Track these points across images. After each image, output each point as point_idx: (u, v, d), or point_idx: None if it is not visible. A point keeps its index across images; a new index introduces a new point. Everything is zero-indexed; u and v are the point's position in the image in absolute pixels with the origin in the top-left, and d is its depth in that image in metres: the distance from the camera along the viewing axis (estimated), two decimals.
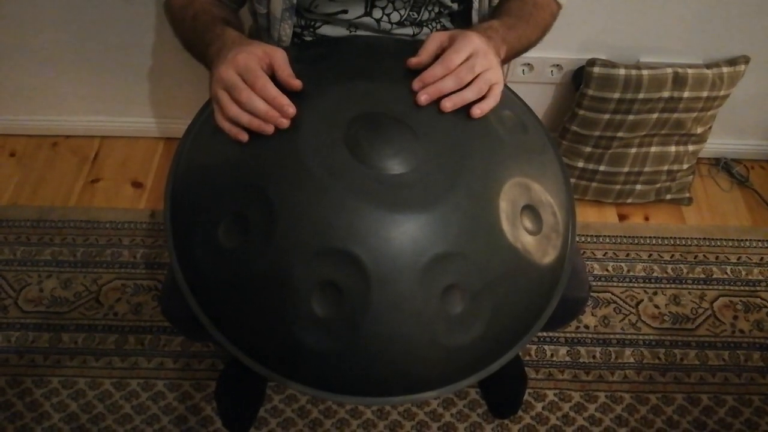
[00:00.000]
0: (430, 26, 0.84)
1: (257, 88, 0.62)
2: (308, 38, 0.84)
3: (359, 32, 0.83)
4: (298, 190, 0.59)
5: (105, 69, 1.49)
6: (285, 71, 0.65)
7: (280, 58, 0.65)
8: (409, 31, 0.83)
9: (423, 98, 0.64)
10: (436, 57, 0.67)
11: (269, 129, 0.62)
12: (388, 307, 0.57)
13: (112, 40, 1.42)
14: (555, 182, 0.70)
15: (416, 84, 0.65)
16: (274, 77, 0.65)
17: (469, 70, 0.65)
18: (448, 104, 0.64)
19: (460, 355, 0.61)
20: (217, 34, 0.72)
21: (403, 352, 0.59)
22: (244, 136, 0.63)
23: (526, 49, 0.83)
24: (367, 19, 0.80)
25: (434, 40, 0.67)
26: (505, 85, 0.83)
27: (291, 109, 0.62)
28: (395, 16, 0.80)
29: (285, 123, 0.62)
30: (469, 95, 0.65)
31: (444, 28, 0.86)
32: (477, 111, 0.65)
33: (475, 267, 0.59)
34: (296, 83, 0.65)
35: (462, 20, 0.86)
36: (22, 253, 1.42)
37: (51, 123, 1.63)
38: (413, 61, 0.67)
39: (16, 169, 1.60)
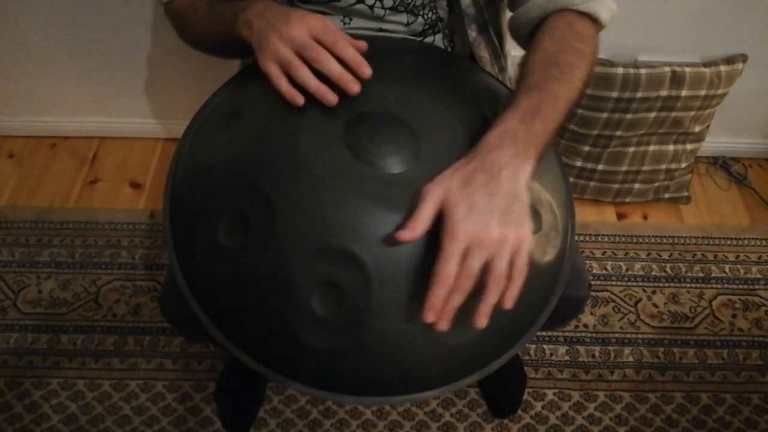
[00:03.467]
0: (424, 15, 0.83)
1: (338, 47, 0.61)
2: None
3: (353, 23, 0.82)
4: (298, 189, 0.59)
5: (103, 70, 1.49)
6: (345, 40, 0.63)
7: (339, 30, 0.64)
8: (403, 18, 0.82)
9: (443, 327, 0.55)
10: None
11: (334, 99, 0.61)
12: (389, 305, 0.57)
13: (110, 41, 1.42)
14: (554, 181, 0.70)
15: (429, 316, 0.54)
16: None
17: (468, 278, 0.53)
18: (482, 321, 0.54)
19: (460, 354, 0.61)
20: (245, 4, 0.69)
21: (403, 351, 0.59)
22: (300, 100, 0.62)
23: (573, 107, 0.67)
24: (360, 6, 0.80)
25: (422, 216, 0.55)
26: (504, 85, 0.84)
27: (368, 70, 0.61)
28: (388, 1, 0.80)
29: (357, 89, 0.61)
30: (490, 301, 0.54)
31: (438, 17, 0.84)
32: (509, 303, 0.55)
33: None
34: (362, 44, 0.64)
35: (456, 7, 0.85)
36: (20, 254, 1.42)
37: (49, 124, 1.63)
38: (401, 236, 0.55)
39: (14, 170, 1.59)
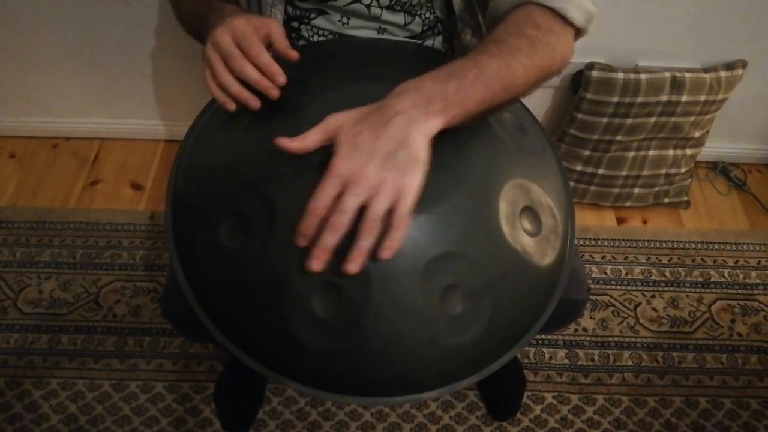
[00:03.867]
0: (421, 15, 0.83)
1: (252, 54, 0.64)
2: (305, 32, 0.84)
3: (351, 23, 0.83)
4: (299, 190, 0.59)
5: (105, 71, 1.49)
6: (282, 42, 0.66)
7: (277, 29, 0.66)
8: (400, 18, 0.82)
9: (315, 266, 0.54)
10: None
11: (255, 104, 0.64)
12: (389, 307, 0.57)
13: (111, 42, 1.42)
14: (554, 184, 0.70)
15: (300, 241, 0.54)
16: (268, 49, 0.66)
17: (340, 214, 0.52)
18: (352, 266, 0.53)
19: (460, 355, 0.61)
20: (217, 8, 0.73)
21: (403, 352, 0.59)
22: (231, 106, 0.65)
23: (548, 75, 0.66)
24: (356, 6, 0.80)
25: (320, 131, 0.56)
26: None
27: (282, 78, 0.63)
28: (384, 0, 0.80)
29: (275, 93, 0.63)
30: (364, 245, 0.53)
31: (436, 17, 0.85)
32: (385, 253, 0.53)
33: (475, 268, 0.60)
34: (293, 54, 0.66)
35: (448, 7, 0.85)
36: (21, 254, 1.42)
37: (51, 125, 1.64)
38: (281, 142, 0.56)
39: (15, 170, 1.60)
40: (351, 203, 0.52)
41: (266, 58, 0.64)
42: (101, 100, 1.57)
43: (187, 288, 0.65)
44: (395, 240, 0.53)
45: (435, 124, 0.56)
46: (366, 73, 0.71)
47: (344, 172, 0.52)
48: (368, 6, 0.80)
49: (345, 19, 0.82)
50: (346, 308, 0.58)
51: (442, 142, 0.64)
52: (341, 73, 0.72)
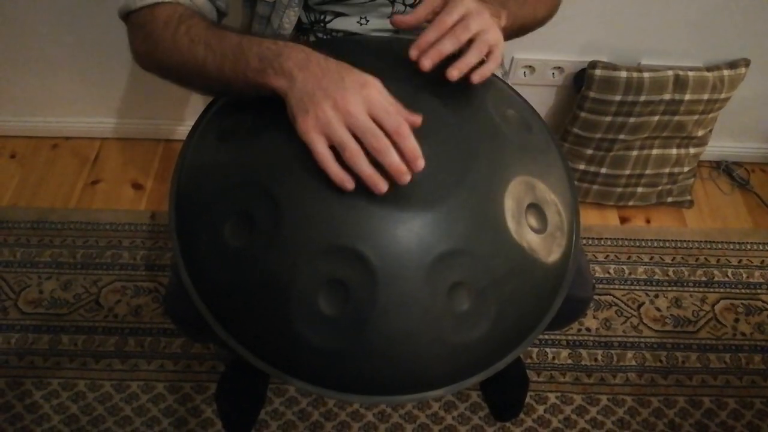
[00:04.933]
0: None
1: (403, 135, 0.55)
2: (319, 34, 0.83)
3: (370, 24, 0.81)
4: (304, 188, 0.59)
5: (105, 71, 1.49)
6: (405, 113, 0.58)
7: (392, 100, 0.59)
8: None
9: (426, 63, 0.61)
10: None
11: (384, 188, 0.56)
12: (395, 304, 0.57)
13: (112, 42, 1.42)
14: (559, 181, 0.70)
15: (413, 52, 0.63)
16: None
17: (464, 29, 0.62)
18: (454, 73, 0.62)
19: (466, 353, 0.61)
20: (279, 47, 0.60)
21: (409, 350, 0.59)
22: (351, 186, 0.56)
23: (532, 24, 0.81)
24: (380, 2, 0.79)
25: (426, 5, 0.65)
26: (509, 85, 0.84)
27: (422, 163, 0.56)
28: None
29: (407, 179, 0.56)
30: (471, 59, 0.63)
31: None
32: (476, 77, 0.64)
33: (481, 265, 0.59)
34: (417, 120, 0.59)
35: None
36: (22, 254, 1.42)
37: (51, 124, 1.63)
38: (398, 18, 0.65)
39: (16, 170, 1.59)
40: (474, 27, 0.63)
41: (412, 143, 0.56)
42: (102, 99, 1.57)
43: (191, 287, 0.65)
44: (489, 70, 0.65)
45: (498, 23, 0.68)
46: (372, 72, 0.71)
47: (468, 6, 0.63)
48: (392, 3, 0.79)
49: (364, 20, 0.81)
50: (351, 306, 0.57)
51: (447, 139, 0.64)
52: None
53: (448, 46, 0.62)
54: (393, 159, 0.55)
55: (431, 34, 0.62)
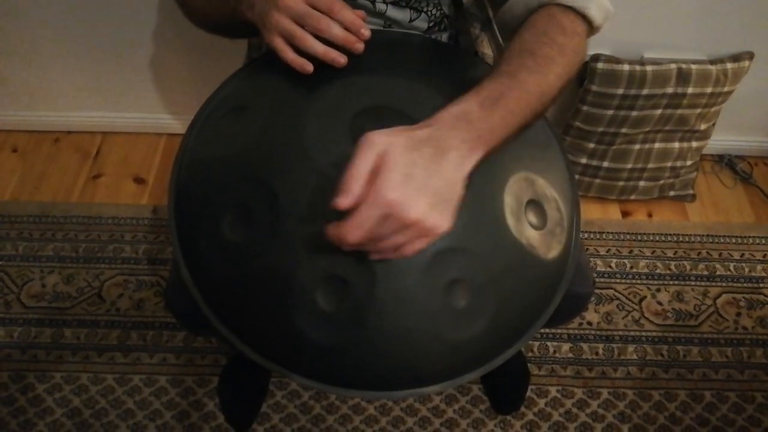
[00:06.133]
0: (428, 11, 0.82)
1: (335, 11, 0.62)
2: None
3: None
4: (303, 184, 0.59)
5: (107, 65, 1.49)
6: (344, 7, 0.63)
7: None
8: (406, 14, 0.81)
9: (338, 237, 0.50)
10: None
11: (344, 60, 0.63)
12: (393, 300, 0.57)
13: (113, 36, 1.42)
14: (559, 177, 0.70)
15: (330, 231, 0.51)
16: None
17: (370, 242, 0.50)
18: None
19: (464, 349, 0.61)
20: None
21: (408, 345, 0.59)
22: (309, 67, 0.63)
23: (540, 107, 0.62)
24: (362, 1, 0.79)
25: (368, 156, 0.49)
26: None
27: (367, 31, 0.62)
28: None
29: (361, 47, 0.63)
30: (368, 250, 0.53)
31: (442, 13, 0.84)
32: (374, 256, 0.53)
33: (480, 261, 0.59)
34: (362, 16, 0.64)
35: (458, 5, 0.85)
36: (24, 248, 1.42)
37: (53, 119, 1.63)
38: (341, 202, 0.49)
39: (18, 164, 1.60)
40: (385, 233, 0.50)
41: (349, 13, 0.62)
42: (103, 93, 1.57)
43: (190, 281, 0.65)
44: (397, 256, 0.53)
45: (477, 159, 0.53)
46: (371, 67, 0.71)
47: (392, 203, 0.48)
48: (373, 2, 0.79)
49: None
50: (350, 302, 0.57)
51: None
52: (348, 66, 0.71)
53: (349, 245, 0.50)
54: (335, 31, 0.61)
55: (343, 234, 0.49)
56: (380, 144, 0.49)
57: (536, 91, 0.59)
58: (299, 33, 0.62)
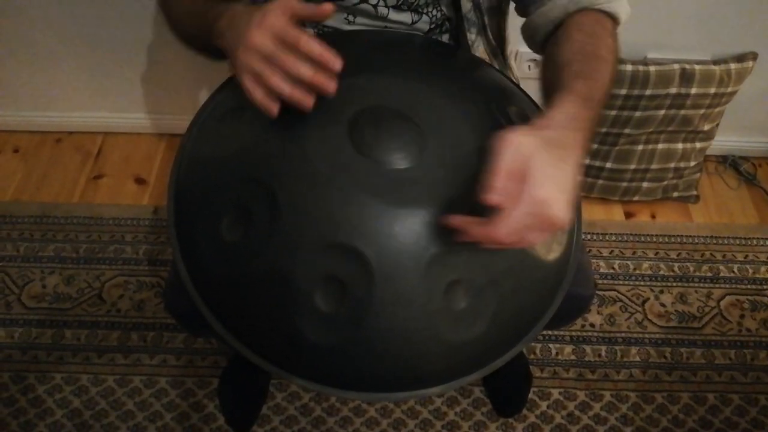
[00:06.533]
0: (429, 13, 0.82)
1: (302, 45, 0.57)
2: (311, 29, 0.83)
3: (357, 21, 0.81)
4: (302, 184, 0.58)
5: (108, 65, 1.49)
6: (308, 10, 0.59)
7: (298, 5, 0.59)
8: (407, 17, 0.81)
9: (461, 235, 0.54)
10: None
11: (310, 102, 0.58)
12: (392, 302, 0.56)
13: (115, 37, 1.42)
14: None
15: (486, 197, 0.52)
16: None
17: (510, 243, 0.53)
18: (461, 236, 0.55)
19: (464, 351, 0.61)
20: (223, 8, 0.66)
21: (407, 347, 0.59)
22: (274, 109, 0.59)
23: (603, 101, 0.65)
24: (364, 5, 0.79)
25: (512, 158, 0.52)
26: (511, 80, 0.83)
27: (338, 63, 0.57)
28: (391, 0, 0.79)
29: (333, 87, 0.58)
30: (488, 243, 0.54)
31: (443, 15, 0.84)
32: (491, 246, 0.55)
33: (479, 263, 0.59)
34: (327, 8, 0.59)
35: (455, 6, 0.85)
36: (25, 249, 1.42)
37: (54, 119, 1.63)
38: (490, 199, 0.51)
39: (19, 165, 1.60)
40: (526, 231, 0.52)
41: (317, 47, 0.57)
42: (104, 94, 1.57)
43: (189, 282, 0.64)
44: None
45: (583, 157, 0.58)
46: (371, 67, 0.70)
47: (543, 199, 0.50)
48: (375, 6, 0.79)
49: (351, 17, 0.81)
50: (349, 303, 0.57)
51: (446, 136, 0.63)
52: (345, 66, 0.71)
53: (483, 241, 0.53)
54: (302, 70, 0.57)
55: (486, 232, 0.52)
56: (521, 145, 0.52)
57: (606, 91, 0.64)
58: (266, 72, 0.58)
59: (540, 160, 0.51)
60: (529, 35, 0.77)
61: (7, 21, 1.39)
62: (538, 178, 0.51)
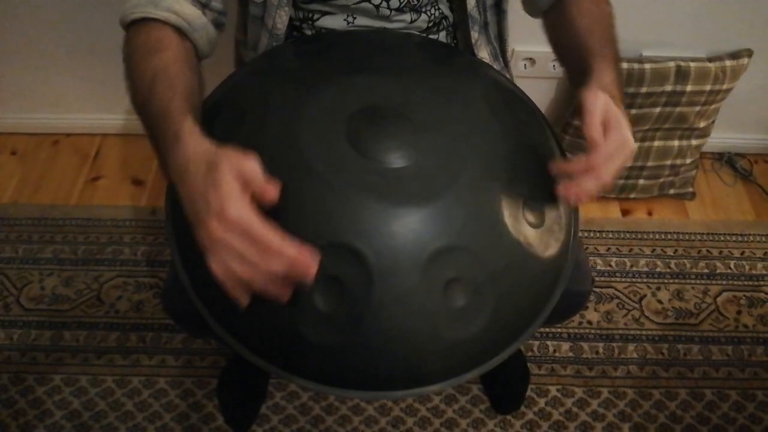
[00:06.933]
0: (428, 12, 0.83)
1: (273, 249, 0.50)
2: (308, 32, 0.84)
3: (357, 22, 0.82)
4: (300, 185, 0.59)
5: (105, 67, 1.49)
6: (259, 184, 0.52)
7: (250, 170, 0.52)
8: (407, 17, 0.82)
9: (567, 194, 0.62)
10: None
11: (283, 296, 0.53)
12: (391, 301, 0.57)
13: (112, 38, 1.40)
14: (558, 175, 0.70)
15: (555, 169, 0.65)
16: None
17: (609, 172, 0.61)
18: (572, 200, 0.63)
19: (463, 349, 0.61)
20: (175, 132, 0.58)
21: (406, 346, 0.59)
22: (245, 302, 0.53)
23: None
24: (365, 5, 0.79)
25: (600, 112, 0.62)
26: (507, 78, 0.83)
27: (314, 267, 0.50)
28: (394, 2, 0.79)
29: (312, 273, 0.50)
30: (587, 186, 0.62)
31: (442, 15, 0.84)
32: (583, 198, 0.62)
33: (478, 260, 0.59)
34: (272, 193, 0.52)
35: (459, 4, 0.85)
36: (23, 251, 1.42)
37: (52, 121, 1.63)
38: (595, 148, 0.62)
39: (17, 167, 1.59)
40: (618, 166, 0.62)
41: (292, 252, 0.50)
42: (102, 95, 1.57)
43: (187, 283, 0.64)
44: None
45: None
46: (368, 66, 0.70)
47: (629, 138, 0.62)
48: (377, 6, 0.79)
49: (351, 18, 0.82)
50: (347, 302, 0.57)
51: (444, 134, 0.63)
52: (342, 66, 0.71)
53: (590, 187, 0.61)
54: (274, 270, 0.50)
55: (593, 162, 0.61)
56: (606, 100, 0.63)
57: (619, 56, 0.74)
58: (237, 270, 0.51)
59: (617, 111, 0.63)
60: (530, 3, 0.82)
61: (5, 22, 1.39)
62: (621, 123, 0.62)
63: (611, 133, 0.62)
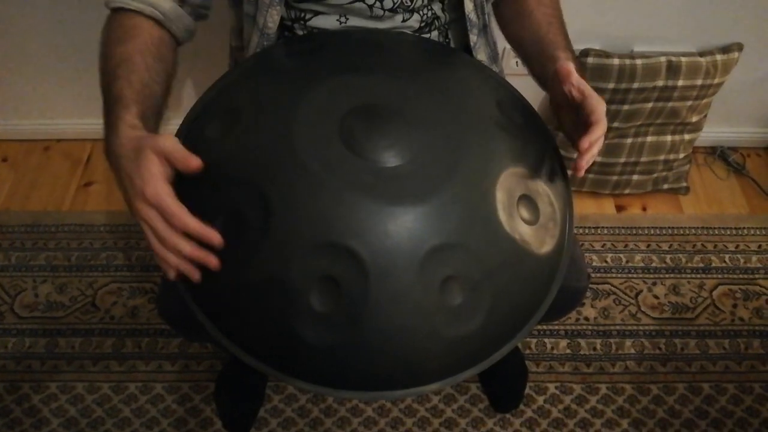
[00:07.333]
0: (420, 12, 0.83)
1: (176, 223, 0.58)
2: (299, 32, 0.83)
3: (349, 23, 0.81)
4: (294, 185, 0.58)
5: (95, 72, 1.47)
6: (181, 159, 0.59)
7: (169, 146, 0.59)
8: (399, 17, 0.82)
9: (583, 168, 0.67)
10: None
11: (195, 276, 0.60)
12: (387, 300, 0.56)
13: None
14: (551, 171, 0.70)
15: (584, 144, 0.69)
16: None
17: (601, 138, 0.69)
18: (582, 172, 0.68)
19: (461, 347, 0.61)
20: (117, 120, 0.65)
21: (403, 345, 0.59)
22: (172, 276, 0.61)
23: None
24: (359, 5, 0.79)
25: (600, 105, 0.69)
26: (500, 75, 0.83)
27: (217, 239, 0.58)
28: (388, 3, 0.79)
29: (214, 263, 0.58)
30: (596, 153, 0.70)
31: (434, 15, 0.84)
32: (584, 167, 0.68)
33: (473, 258, 0.59)
34: (195, 163, 0.59)
35: (453, 6, 0.85)
36: (16, 258, 1.41)
37: (42, 127, 1.62)
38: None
39: (8, 174, 1.58)
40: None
41: (194, 225, 0.58)
42: (92, 101, 1.54)
43: (182, 287, 0.64)
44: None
45: None
46: (361, 65, 0.70)
47: (603, 104, 0.69)
48: (371, 6, 0.79)
49: (343, 19, 0.81)
50: (344, 302, 0.57)
51: (437, 132, 0.63)
52: (335, 65, 0.71)
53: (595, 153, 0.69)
54: (180, 246, 0.59)
55: (595, 150, 0.69)
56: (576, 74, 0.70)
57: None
58: (158, 246, 0.61)
59: (599, 103, 0.68)
60: None
61: None
62: (594, 92, 0.69)
63: (590, 99, 0.68)
